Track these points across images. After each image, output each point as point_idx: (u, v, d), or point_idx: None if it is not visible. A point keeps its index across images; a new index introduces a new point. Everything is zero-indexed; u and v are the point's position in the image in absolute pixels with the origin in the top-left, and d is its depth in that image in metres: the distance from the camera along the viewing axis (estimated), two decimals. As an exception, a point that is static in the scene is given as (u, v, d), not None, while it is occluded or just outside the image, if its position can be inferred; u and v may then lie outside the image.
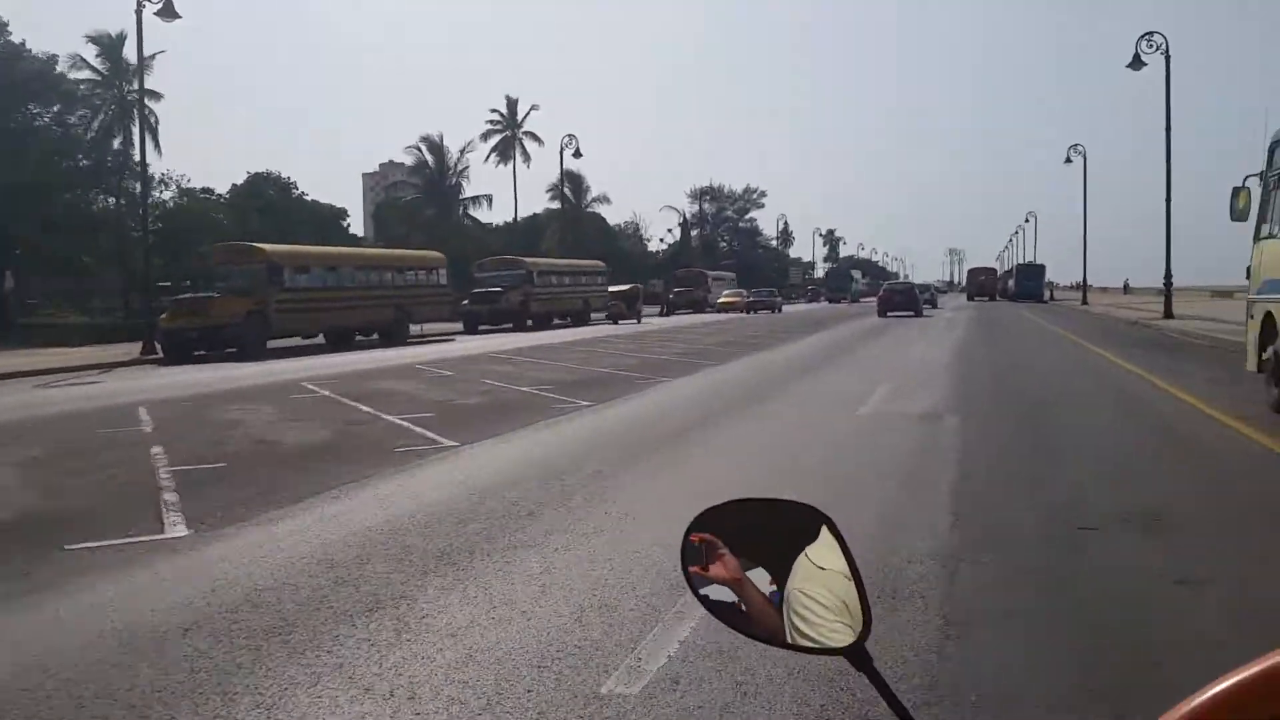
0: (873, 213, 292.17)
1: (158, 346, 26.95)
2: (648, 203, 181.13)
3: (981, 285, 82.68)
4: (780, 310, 57.24)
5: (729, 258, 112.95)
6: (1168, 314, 34.32)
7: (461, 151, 57.75)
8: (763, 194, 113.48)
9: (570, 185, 73.42)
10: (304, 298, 28.21)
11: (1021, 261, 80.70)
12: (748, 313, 53.17)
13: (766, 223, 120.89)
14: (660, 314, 55.33)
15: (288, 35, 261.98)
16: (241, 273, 27.23)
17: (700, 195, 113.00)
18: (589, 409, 12.50)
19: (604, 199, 76.37)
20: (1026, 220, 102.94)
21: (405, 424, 11.37)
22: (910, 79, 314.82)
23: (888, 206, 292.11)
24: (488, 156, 61.96)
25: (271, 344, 28.79)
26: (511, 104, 62.29)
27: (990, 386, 14.50)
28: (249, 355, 25.74)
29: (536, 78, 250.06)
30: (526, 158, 63.93)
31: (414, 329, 34.10)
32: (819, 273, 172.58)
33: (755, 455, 9.04)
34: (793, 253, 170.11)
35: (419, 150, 56.21)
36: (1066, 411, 11.68)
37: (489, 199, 58.00)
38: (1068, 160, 59.29)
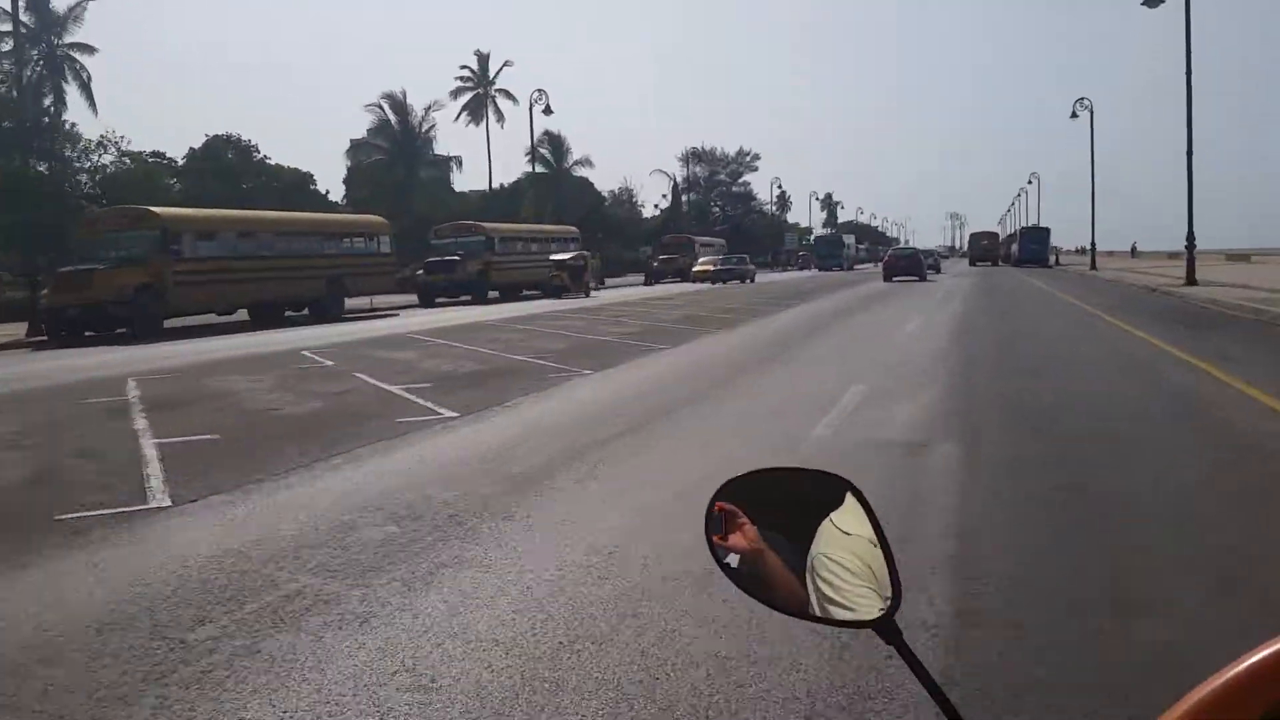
0: (873, 178, 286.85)
1: (43, 327, 23.72)
2: (641, 167, 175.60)
3: (984, 250, 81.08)
4: (752, 280, 51.81)
5: (722, 223, 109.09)
6: (1190, 280, 30.68)
7: (427, 110, 53.76)
8: (756, 157, 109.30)
9: (550, 147, 69.46)
10: (209, 268, 24.60)
11: (1025, 225, 76.66)
12: (714, 283, 48.40)
13: (762, 187, 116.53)
14: (645, 283, 51.64)
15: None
16: (131, 240, 23.58)
17: (691, 158, 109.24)
18: (451, 423, 9.00)
19: (586, 161, 72.23)
20: (1030, 182, 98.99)
21: (153, 453, 7.85)
22: (911, 40, 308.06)
23: (888, 171, 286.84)
24: (458, 115, 58.04)
25: (180, 322, 25.38)
26: (483, 59, 58.32)
27: (998, 386, 10.83)
28: (142, 336, 22.33)
29: (520, 32, 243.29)
30: (500, 117, 59.99)
31: (364, 302, 30.59)
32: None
33: (616, 535, 5.42)
34: (790, 219, 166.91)
35: (381, 108, 52.22)
36: (1116, 435, 7.82)
37: (458, 160, 54.17)
38: (1073, 115, 55.37)
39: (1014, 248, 76.39)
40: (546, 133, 68.40)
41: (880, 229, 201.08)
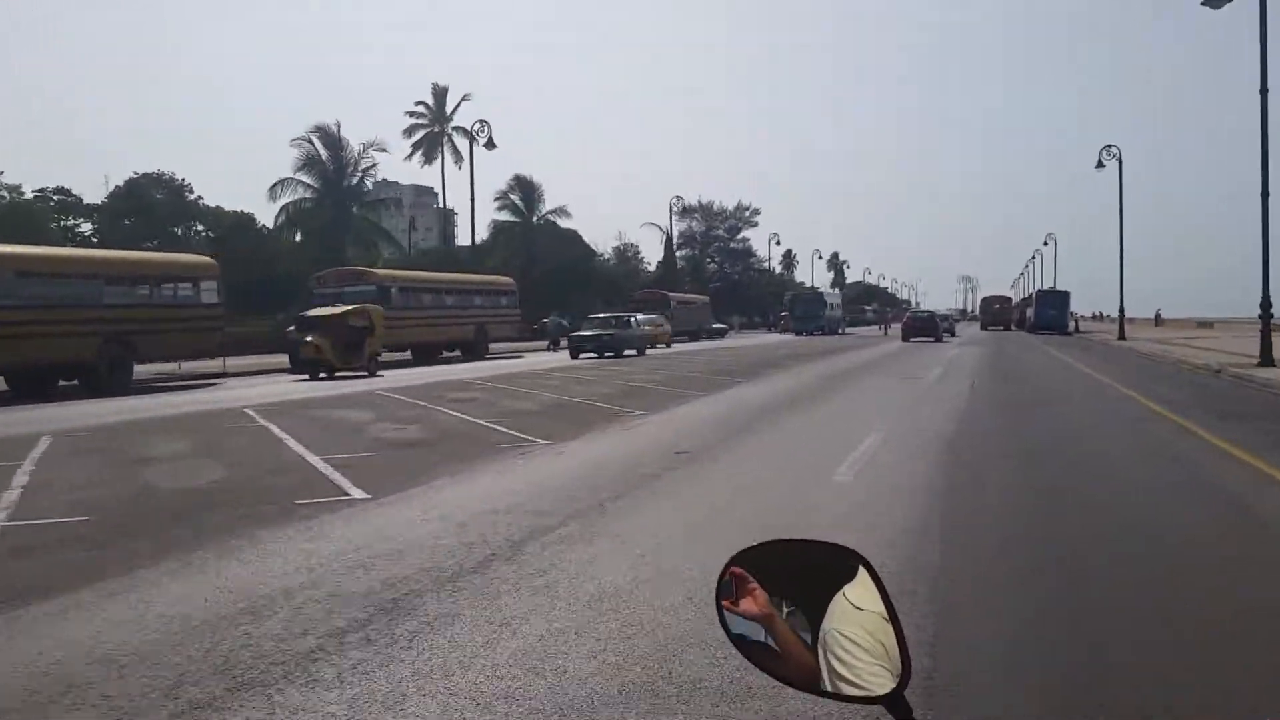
0: (882, 238, 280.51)
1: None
2: (639, 220, 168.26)
3: (996, 314, 77.64)
4: (706, 337, 45.95)
5: (718, 280, 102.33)
6: (1267, 358, 23.30)
7: (366, 147, 47.05)
8: (755, 211, 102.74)
9: (520, 193, 62.86)
10: None
11: (1042, 288, 69.46)
12: (575, 356, 33.76)
13: (762, 244, 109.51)
14: (548, 348, 42.00)
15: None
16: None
17: (686, 212, 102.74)
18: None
19: (562, 211, 65.44)
20: (1045, 243, 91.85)
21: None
22: (923, 97, 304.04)
23: (898, 232, 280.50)
24: (410, 155, 51.47)
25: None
26: (439, 94, 51.80)
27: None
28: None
29: (506, 74, 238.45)
30: (458, 158, 53.28)
31: (191, 367, 23.53)
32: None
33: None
34: (799, 278, 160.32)
35: (309, 143, 45.60)
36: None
37: (396, 202, 47.27)
38: (1099, 165, 48.39)
39: (1029, 312, 69.04)
40: (517, 177, 61.94)
41: (890, 290, 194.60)
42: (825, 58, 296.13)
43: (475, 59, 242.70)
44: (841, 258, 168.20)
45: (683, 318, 54.99)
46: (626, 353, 33.28)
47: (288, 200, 45.74)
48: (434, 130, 51.55)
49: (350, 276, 29.38)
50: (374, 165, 47.48)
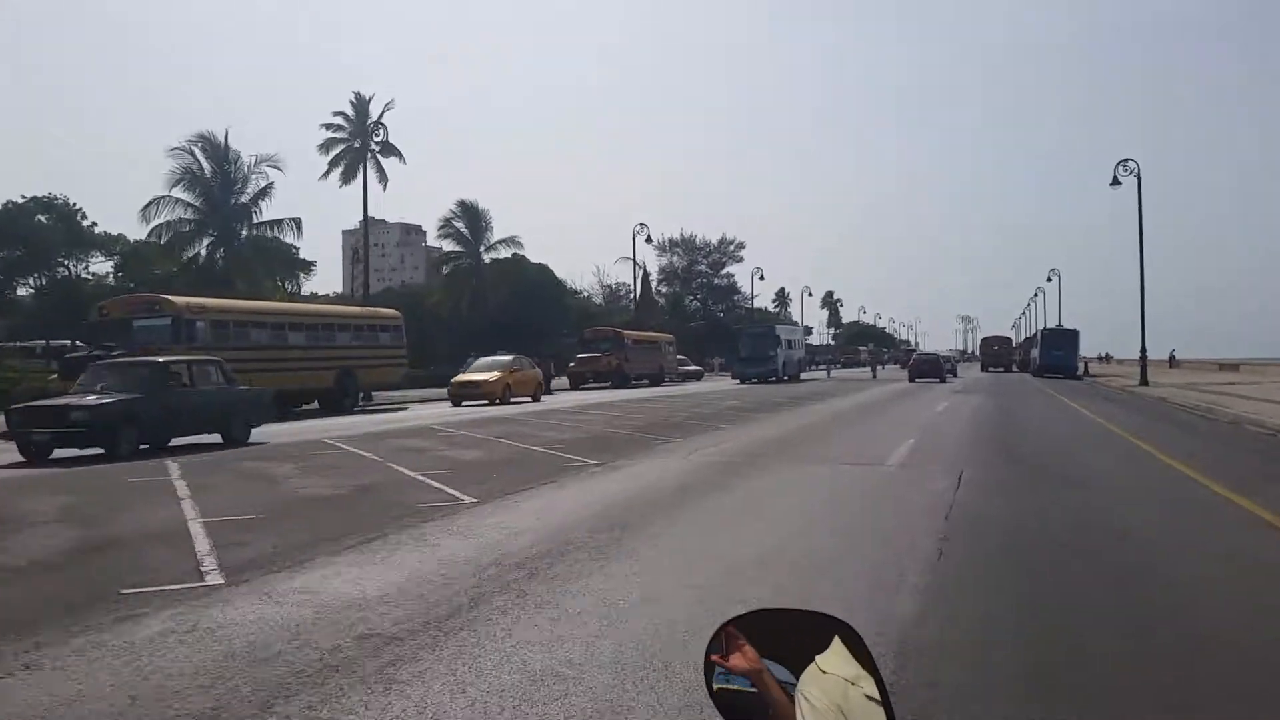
0: (880, 278, 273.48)
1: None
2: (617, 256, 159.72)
3: (996, 355, 75.91)
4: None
5: (698, 318, 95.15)
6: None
7: (258, 160, 39.79)
8: (740, 246, 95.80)
9: (465, 220, 55.84)
10: None
11: (1046, 326, 62.06)
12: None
13: (748, 280, 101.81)
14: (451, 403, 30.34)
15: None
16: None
17: (669, 247, 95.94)
18: None
19: (512, 241, 58.33)
20: (1049, 278, 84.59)
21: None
22: (920, 131, 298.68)
23: (896, 271, 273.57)
24: (326, 173, 44.36)
25: None
26: (361, 104, 44.81)
27: None
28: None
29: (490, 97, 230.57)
30: (382, 177, 46.18)
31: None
32: (816, 338, 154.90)
33: None
34: (797, 318, 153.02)
35: (189, 154, 38.30)
36: None
37: (295, 223, 40.13)
38: (1114, 182, 41.24)
39: (1034, 353, 61.72)
40: (461, 204, 54.95)
41: (887, 330, 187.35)
42: (818, 92, 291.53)
43: (422, 78, 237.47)
44: (836, 296, 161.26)
45: (640, 359, 47.61)
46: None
47: (164, 220, 38.48)
48: (354, 145, 44.55)
49: (141, 306, 22.05)
50: (270, 185, 40.26)
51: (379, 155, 45.13)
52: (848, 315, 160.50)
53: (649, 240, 54.97)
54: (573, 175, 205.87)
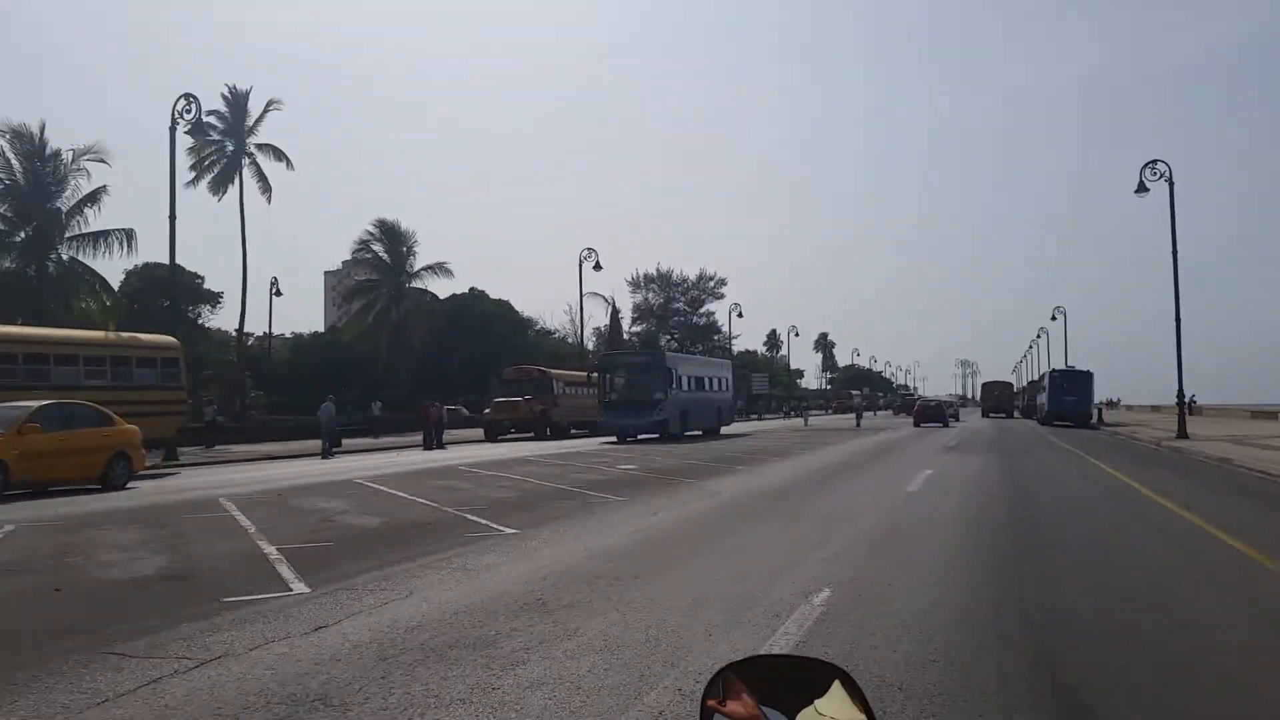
0: (878, 322, 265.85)
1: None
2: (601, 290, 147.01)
3: (997, 400, 73.50)
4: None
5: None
6: None
7: (76, 155, 31.83)
8: (721, 282, 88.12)
9: (385, 242, 48.08)
10: None
11: (1055, 367, 53.74)
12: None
13: (741, 322, 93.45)
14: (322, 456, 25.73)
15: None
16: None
17: (644, 282, 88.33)
18: None
19: (441, 269, 50.53)
20: (1054, 318, 76.37)
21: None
22: (919, 169, 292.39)
23: (894, 315, 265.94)
24: (192, 181, 36.61)
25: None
26: (238, 99, 37.18)
27: None
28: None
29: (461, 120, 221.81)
30: (265, 188, 38.43)
31: None
32: (809, 381, 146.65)
33: None
34: (793, 362, 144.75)
35: (-9, 147, 30.61)
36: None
37: (126, 236, 32.19)
38: (1142, 189, 33.37)
39: (1041, 398, 53.50)
40: (380, 223, 47.21)
41: (884, 375, 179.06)
42: (820, 129, 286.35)
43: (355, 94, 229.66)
44: (831, 338, 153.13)
45: (574, 404, 39.51)
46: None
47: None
48: (226, 148, 36.94)
49: None
50: (101, 190, 32.29)
51: (257, 159, 37.40)
52: (844, 358, 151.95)
53: (597, 267, 46.83)
54: (543, 206, 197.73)
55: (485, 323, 67.46)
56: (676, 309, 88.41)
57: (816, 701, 1.12)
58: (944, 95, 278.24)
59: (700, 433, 36.76)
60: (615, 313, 78.26)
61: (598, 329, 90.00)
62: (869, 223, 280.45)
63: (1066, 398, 48.40)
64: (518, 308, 74.56)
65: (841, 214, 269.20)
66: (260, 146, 37.52)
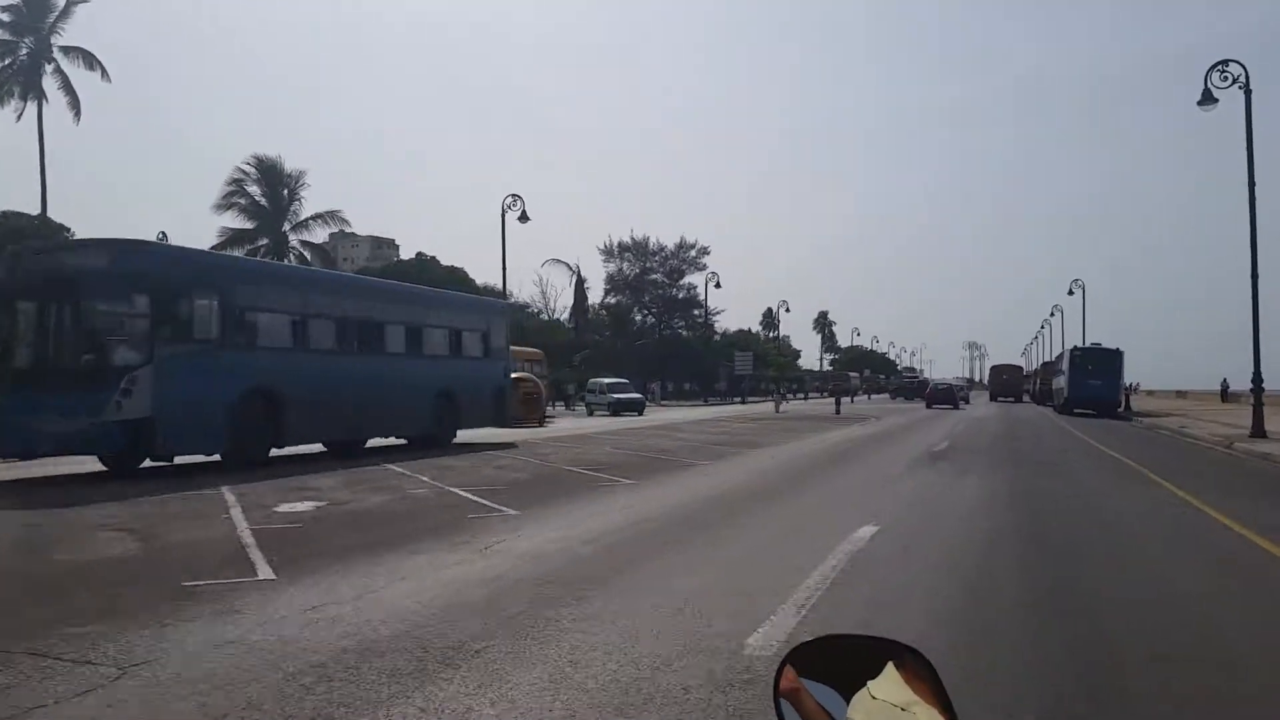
0: (885, 304, 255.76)
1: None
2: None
3: (1005, 384, 69.36)
4: None
5: (651, 335, 78.19)
6: None
7: None
8: (703, 251, 78.81)
9: (263, 183, 39.27)
10: None
11: (1079, 345, 44.28)
12: None
13: (719, 296, 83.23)
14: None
15: None
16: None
17: (618, 251, 79.25)
18: None
19: (335, 217, 41.63)
20: (1071, 292, 66.89)
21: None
22: (923, 152, 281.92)
23: (901, 296, 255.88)
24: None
25: None
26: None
27: None
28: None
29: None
30: (74, 103, 29.66)
31: None
32: (809, 363, 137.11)
33: None
34: (795, 344, 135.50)
35: None
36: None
37: None
38: (1206, 100, 24.17)
39: (1059, 381, 44.39)
40: (258, 161, 38.35)
41: (889, 357, 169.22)
42: (825, 104, 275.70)
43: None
44: (831, 318, 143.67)
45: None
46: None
47: None
48: (20, 57, 28.24)
49: None
50: None
51: (61, 64, 28.57)
52: (847, 339, 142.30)
53: (524, 218, 37.98)
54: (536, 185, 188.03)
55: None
56: (652, 280, 79.22)
57: (870, 683, 1.08)
58: (953, 80, 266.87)
59: (404, 442, 19.41)
60: (580, 281, 69.30)
61: (598, 305, 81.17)
62: (877, 204, 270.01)
63: (1091, 381, 39.39)
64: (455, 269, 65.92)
65: (848, 196, 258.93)
66: (67, 50, 28.71)
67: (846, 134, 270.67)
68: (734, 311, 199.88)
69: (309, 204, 39.10)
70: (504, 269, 38.50)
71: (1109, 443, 22.40)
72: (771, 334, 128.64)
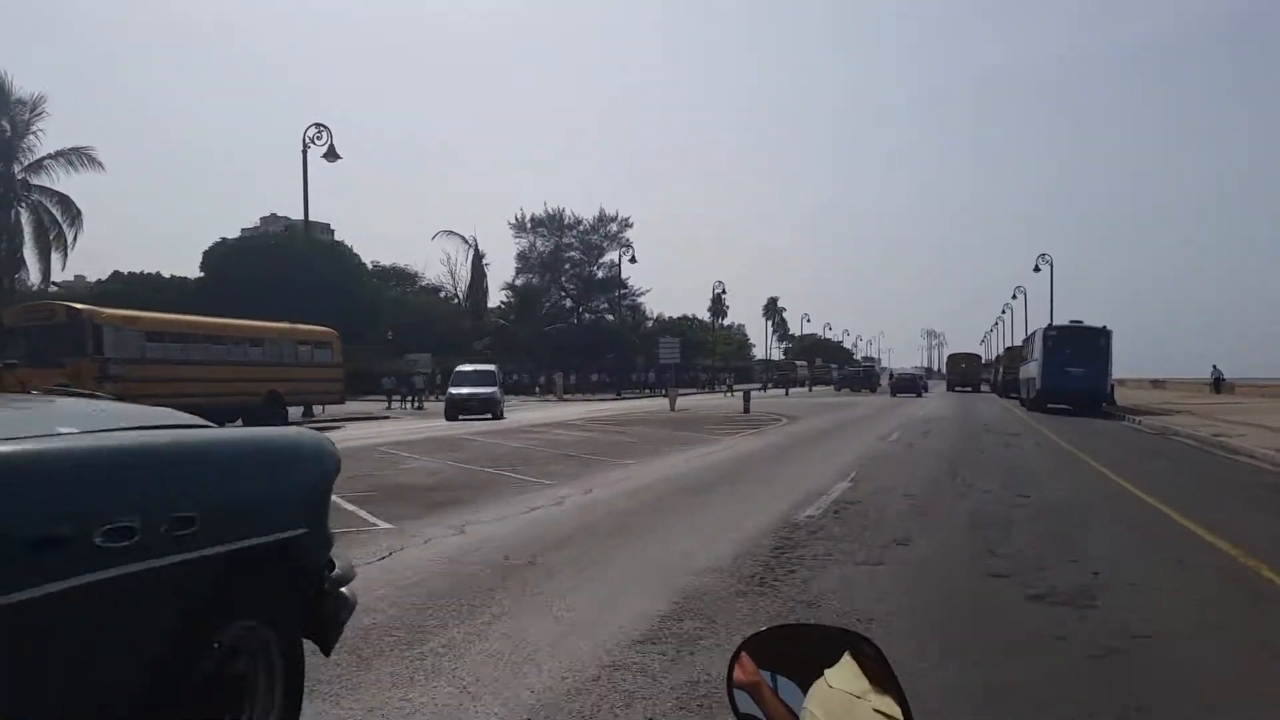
0: (841, 292, 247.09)
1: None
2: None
3: (964, 373, 65.88)
4: None
5: (553, 319, 68.45)
6: None
7: None
8: (626, 224, 69.25)
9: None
10: None
11: (1053, 324, 34.74)
12: None
13: (639, 274, 72.15)
14: None
15: None
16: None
17: (531, 226, 69.28)
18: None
19: (84, 157, 31.54)
20: (1037, 269, 57.98)
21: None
22: (880, 133, 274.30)
23: (859, 285, 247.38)
24: None
25: None
26: None
27: None
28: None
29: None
30: None
31: None
32: (762, 351, 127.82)
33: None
34: (749, 332, 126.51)
35: None
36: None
37: None
38: None
39: (1028, 370, 35.10)
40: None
41: (844, 345, 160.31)
42: (779, 101, 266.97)
43: None
44: (781, 304, 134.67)
45: (174, 369, 20.86)
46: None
47: None
48: None
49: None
50: None
51: None
52: (804, 328, 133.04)
53: (331, 155, 28.34)
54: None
55: (303, 265, 49.43)
56: (569, 257, 69.40)
57: (827, 671, 1.07)
58: (916, 71, 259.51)
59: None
60: (479, 256, 59.31)
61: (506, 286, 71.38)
62: (837, 193, 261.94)
63: (1070, 369, 30.38)
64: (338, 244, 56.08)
65: (805, 187, 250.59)
66: None
67: (805, 123, 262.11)
68: (686, 300, 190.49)
69: (52, 141, 29.65)
70: (305, 209, 28.34)
71: (1106, 459, 13.51)
72: (720, 321, 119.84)
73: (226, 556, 2.51)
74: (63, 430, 2.36)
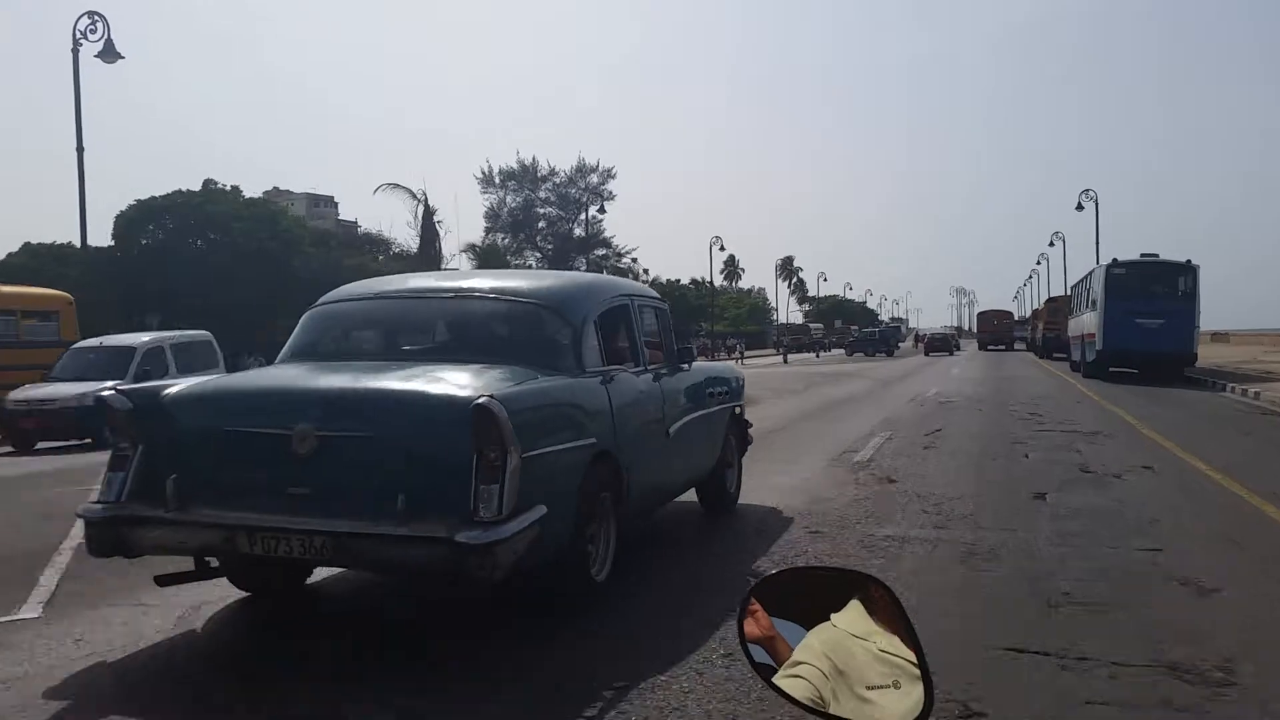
0: (866, 250, 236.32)
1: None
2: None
3: (995, 331, 62.14)
4: None
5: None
6: None
7: None
8: (609, 175, 60.57)
9: None
10: None
11: (1117, 260, 26.09)
12: None
13: (623, 228, 62.52)
14: None
15: None
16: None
17: (501, 180, 60.75)
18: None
19: None
20: (1080, 207, 48.17)
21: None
22: (905, 80, 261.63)
23: (884, 243, 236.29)
24: None
25: None
26: None
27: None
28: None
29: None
30: None
31: None
32: (783, 315, 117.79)
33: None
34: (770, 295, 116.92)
35: None
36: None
37: None
38: None
39: (1084, 322, 25.80)
40: None
41: (869, 306, 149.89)
42: (797, 61, 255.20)
43: None
44: (798, 264, 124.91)
45: None
46: None
47: None
48: None
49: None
50: None
51: None
52: (824, 289, 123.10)
53: (110, 56, 19.89)
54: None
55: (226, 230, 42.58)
56: (542, 213, 60.89)
57: (834, 614, 1.07)
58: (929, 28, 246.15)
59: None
60: (429, 211, 50.92)
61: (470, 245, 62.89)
62: (859, 150, 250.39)
63: (1143, 320, 21.66)
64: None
65: (830, 145, 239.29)
66: None
67: (823, 82, 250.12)
68: (698, 266, 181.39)
69: None
70: (79, 145, 20.33)
71: None
72: (734, 284, 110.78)
73: (730, 409, 7.04)
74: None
